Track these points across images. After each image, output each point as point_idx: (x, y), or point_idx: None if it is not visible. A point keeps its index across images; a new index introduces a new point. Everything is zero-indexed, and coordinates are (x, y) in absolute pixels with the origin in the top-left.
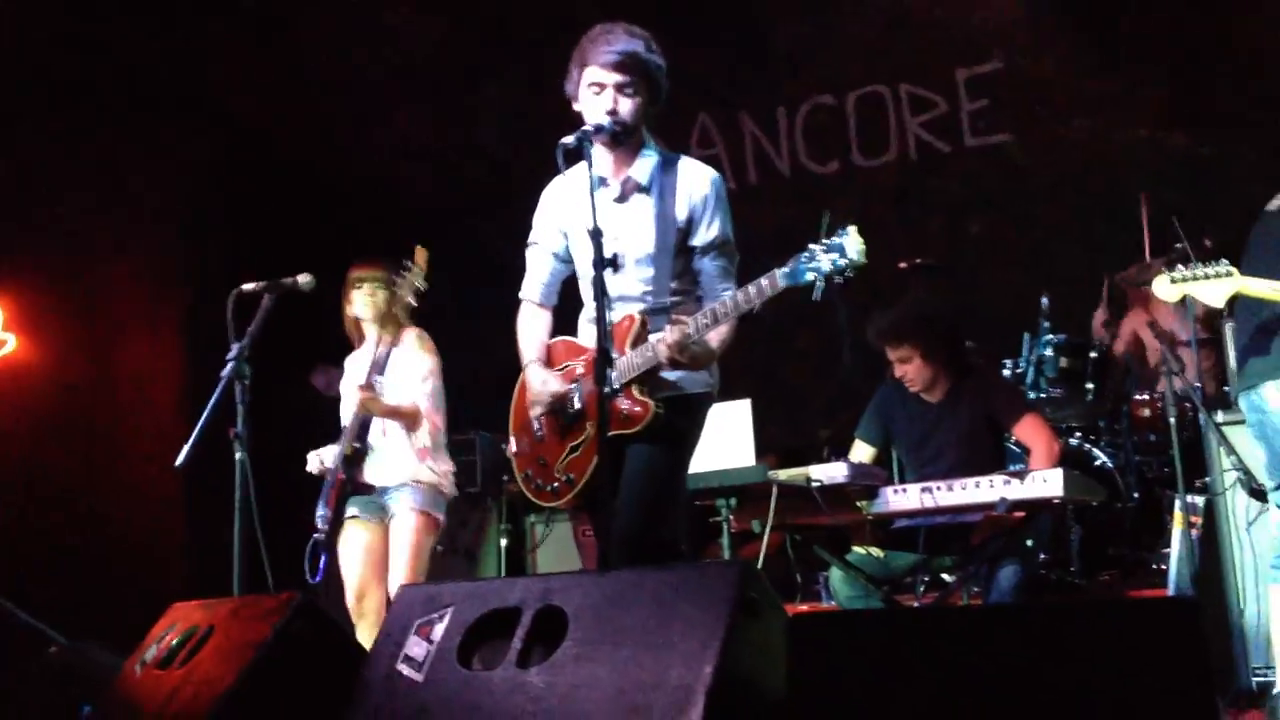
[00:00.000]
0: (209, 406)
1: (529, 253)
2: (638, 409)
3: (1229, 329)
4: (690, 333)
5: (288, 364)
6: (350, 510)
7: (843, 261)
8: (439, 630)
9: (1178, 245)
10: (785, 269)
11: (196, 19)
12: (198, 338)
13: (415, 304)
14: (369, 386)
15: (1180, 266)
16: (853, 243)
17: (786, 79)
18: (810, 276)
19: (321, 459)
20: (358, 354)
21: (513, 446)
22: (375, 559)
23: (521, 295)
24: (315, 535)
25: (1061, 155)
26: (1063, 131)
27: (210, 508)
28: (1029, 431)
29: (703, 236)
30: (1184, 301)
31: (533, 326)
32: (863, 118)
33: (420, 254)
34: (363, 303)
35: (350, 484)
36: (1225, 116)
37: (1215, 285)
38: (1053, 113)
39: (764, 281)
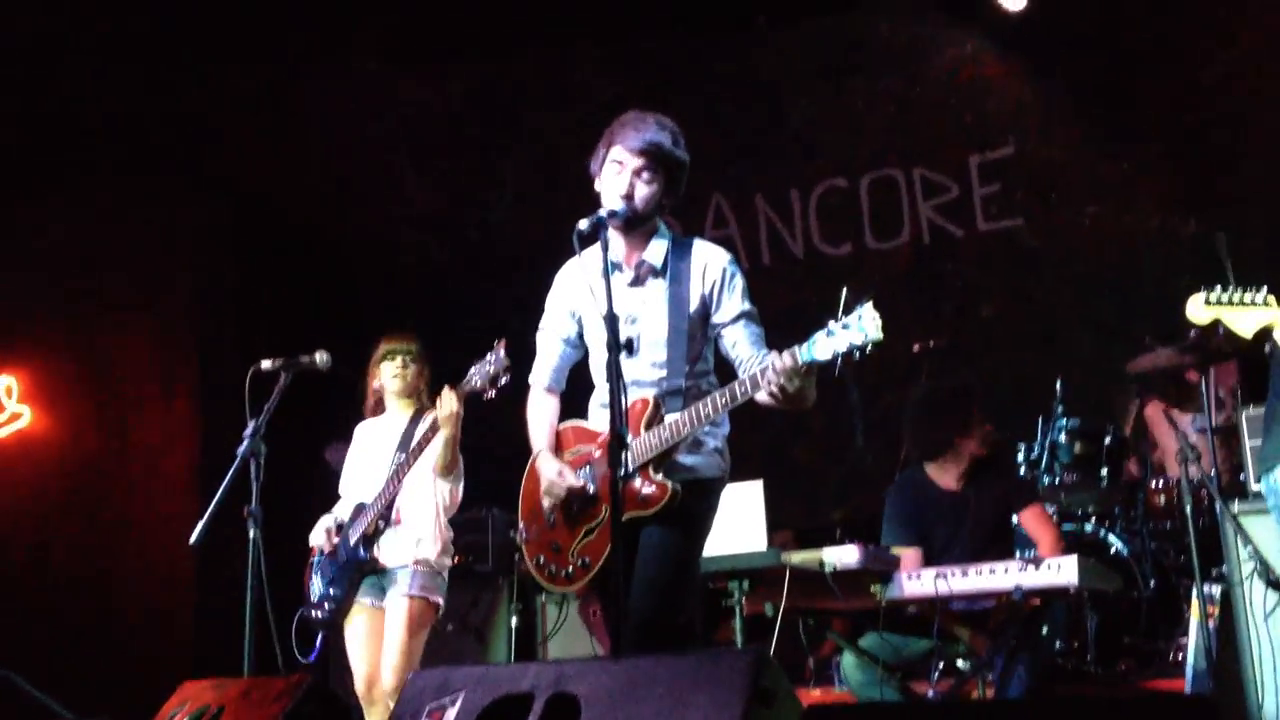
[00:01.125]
0: (224, 485)
1: (540, 337)
2: (654, 490)
3: (1244, 417)
4: (795, 363)
5: (298, 439)
6: (356, 596)
7: (861, 339)
8: (450, 715)
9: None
10: (805, 345)
11: (208, 90)
12: (211, 409)
13: (492, 394)
14: (460, 398)
15: (1219, 287)
16: (871, 320)
17: (800, 161)
18: (829, 354)
19: (329, 533)
20: (373, 424)
21: (523, 533)
22: (381, 644)
23: (531, 380)
24: (315, 614)
25: (1073, 240)
26: (1074, 216)
27: (221, 584)
28: (1036, 522)
29: (725, 313)
30: (1201, 389)
31: (542, 412)
32: (876, 201)
33: (501, 346)
34: (392, 374)
35: (370, 563)
36: (1235, 201)
37: (1249, 314)
38: (1064, 198)
39: (786, 357)
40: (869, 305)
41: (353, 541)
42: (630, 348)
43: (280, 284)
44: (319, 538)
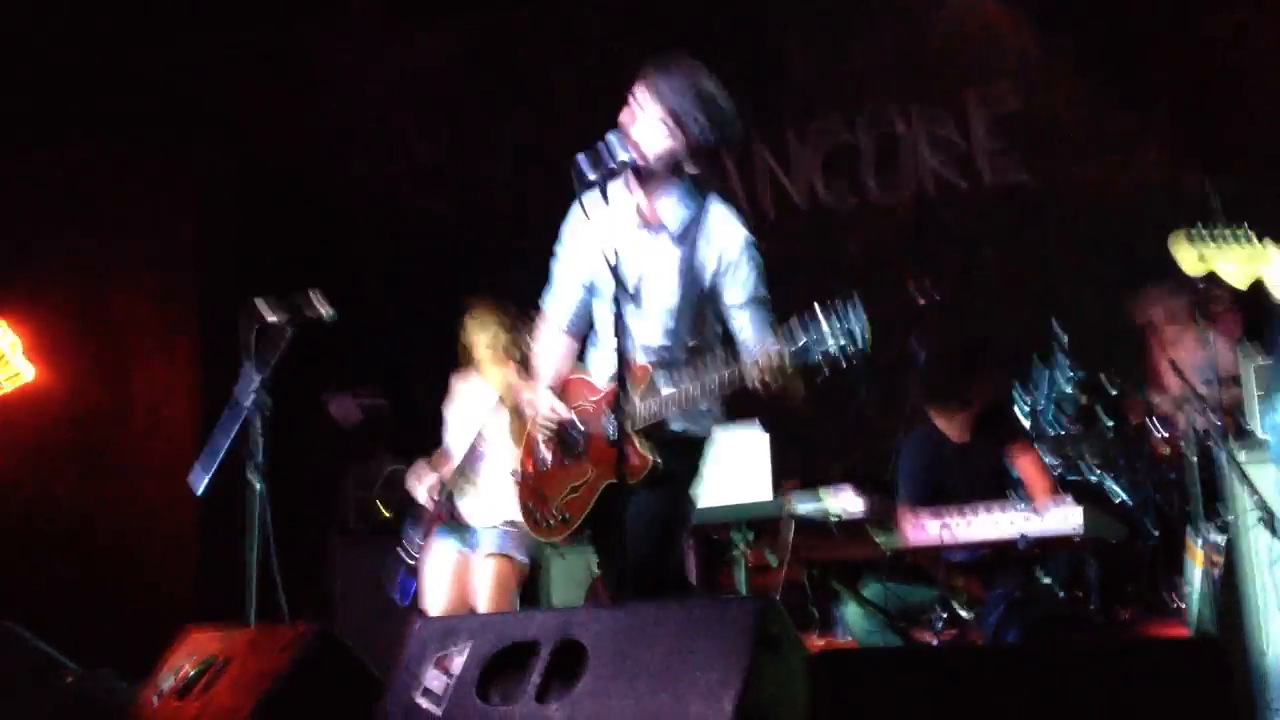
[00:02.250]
0: (223, 432)
1: (557, 270)
2: (636, 461)
3: (1245, 362)
4: (780, 361)
5: (301, 390)
6: (441, 538)
7: (849, 345)
8: (457, 663)
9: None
10: (793, 348)
11: (212, 45)
12: (212, 363)
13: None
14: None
15: (1199, 225)
16: (859, 325)
17: (803, 113)
18: (815, 356)
19: (427, 484)
20: (468, 382)
21: (517, 473)
22: (461, 585)
23: (546, 310)
24: (406, 560)
25: (1077, 193)
26: (1079, 170)
27: (225, 534)
28: (1030, 465)
29: (739, 293)
30: (1206, 338)
31: (554, 350)
32: (879, 153)
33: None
34: (484, 344)
35: (450, 519)
36: (1240, 158)
37: (1242, 262)
38: (1069, 151)
39: (774, 354)
40: (859, 310)
41: (433, 493)
42: (637, 298)
43: (282, 237)
44: (419, 491)
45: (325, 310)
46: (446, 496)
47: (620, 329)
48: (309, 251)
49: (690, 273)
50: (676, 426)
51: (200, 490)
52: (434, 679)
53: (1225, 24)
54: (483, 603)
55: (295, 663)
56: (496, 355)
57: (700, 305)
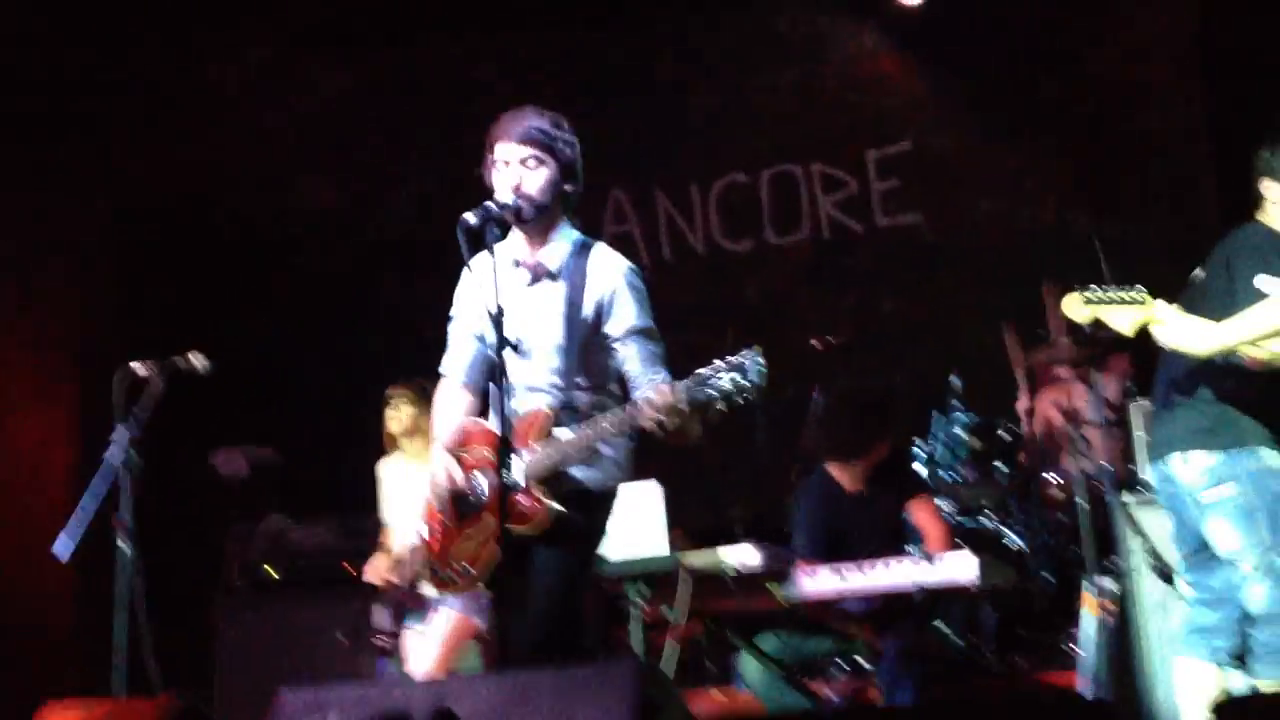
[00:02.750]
0: (92, 494)
1: (451, 328)
2: (535, 508)
3: (1134, 409)
4: (673, 399)
5: (186, 448)
6: (413, 626)
7: (744, 383)
8: None
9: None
10: (687, 384)
11: (87, 70)
12: (92, 417)
13: None
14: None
15: (1094, 286)
16: (754, 365)
17: (700, 156)
18: (710, 394)
19: (383, 571)
20: (393, 463)
21: (422, 534)
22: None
23: (442, 370)
24: (380, 642)
25: (970, 234)
26: (971, 211)
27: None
28: (926, 515)
29: (619, 325)
30: (1092, 382)
31: (450, 406)
32: (776, 196)
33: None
34: (391, 419)
35: (412, 601)
36: (1128, 199)
37: (1128, 311)
38: (961, 192)
39: (665, 391)
40: (756, 350)
41: (397, 579)
42: (517, 348)
43: (167, 284)
44: (371, 575)
45: (201, 364)
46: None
47: (500, 379)
48: (196, 302)
49: (573, 310)
50: (580, 476)
51: (66, 557)
52: None
53: (1109, 63)
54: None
55: None
56: (406, 428)
57: (587, 343)
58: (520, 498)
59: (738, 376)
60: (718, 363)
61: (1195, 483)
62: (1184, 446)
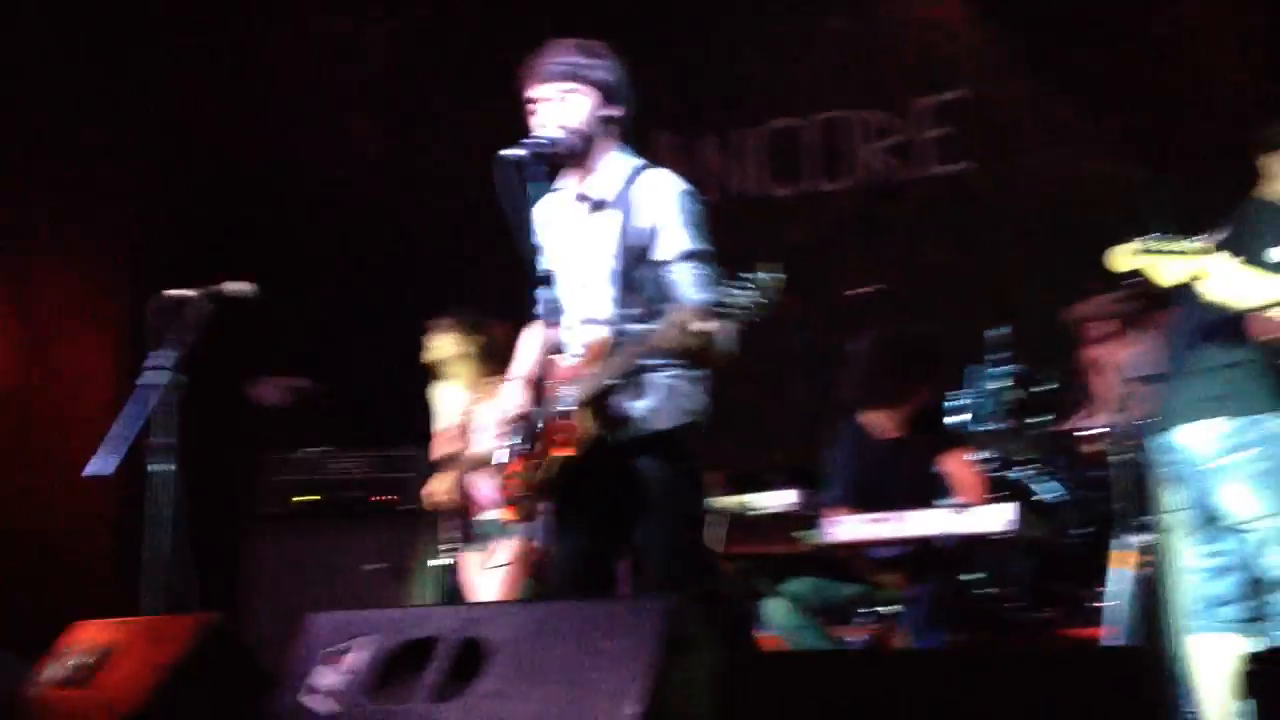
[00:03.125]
0: (138, 417)
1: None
2: (571, 430)
3: None
4: (680, 321)
5: (224, 373)
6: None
7: (760, 299)
8: (349, 661)
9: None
10: (704, 298)
11: (145, 19)
12: (137, 342)
13: None
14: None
15: (1156, 234)
16: (769, 280)
17: (748, 101)
18: (728, 308)
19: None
20: (443, 389)
21: (498, 458)
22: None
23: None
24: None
25: (1022, 187)
26: (1025, 162)
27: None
28: (960, 467)
29: (668, 249)
30: (1134, 338)
31: (529, 342)
32: (824, 141)
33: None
34: (434, 348)
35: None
36: (1187, 154)
37: (1179, 262)
38: (1015, 143)
39: (685, 312)
40: (773, 269)
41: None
42: (549, 281)
43: (218, 225)
44: (436, 494)
45: (246, 290)
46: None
47: (550, 313)
48: (246, 243)
49: (628, 236)
50: (633, 408)
51: (109, 471)
52: (324, 677)
53: (1172, 21)
54: (500, 585)
55: (189, 655)
56: (458, 359)
57: (640, 269)
58: (564, 423)
59: (753, 292)
60: (736, 280)
61: (1208, 450)
62: (1195, 416)
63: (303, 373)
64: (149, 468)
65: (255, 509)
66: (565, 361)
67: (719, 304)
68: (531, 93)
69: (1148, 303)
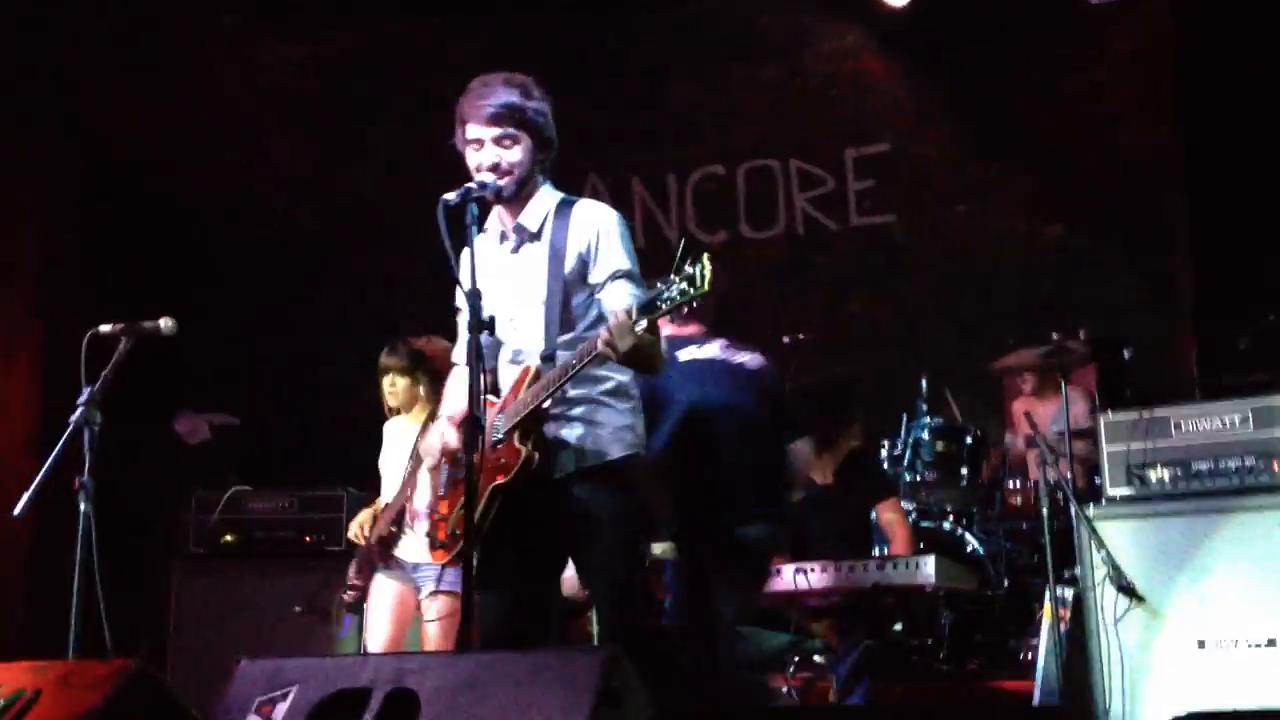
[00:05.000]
0: (54, 453)
1: (457, 319)
2: (506, 459)
3: (1103, 421)
4: (626, 319)
5: (144, 409)
6: (383, 573)
7: (692, 290)
8: (281, 710)
9: (1054, 334)
10: (639, 298)
11: (63, 27)
12: (51, 377)
13: None
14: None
15: None
16: (701, 271)
17: (679, 145)
18: (662, 304)
19: (361, 527)
20: (395, 424)
21: (417, 504)
22: (401, 621)
23: (453, 359)
24: (346, 596)
25: (942, 238)
26: (944, 215)
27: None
28: (893, 517)
29: (602, 270)
30: (1057, 390)
31: (456, 385)
32: (752, 189)
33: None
34: (387, 393)
35: (381, 558)
36: (1097, 211)
37: None
38: (935, 196)
39: (619, 315)
40: (706, 257)
41: (374, 540)
42: (491, 327)
43: (133, 244)
44: (353, 530)
45: (167, 327)
46: (381, 539)
47: (474, 354)
48: (162, 262)
49: (556, 265)
50: (573, 438)
51: (17, 511)
52: None
53: (1083, 83)
54: (433, 640)
55: (108, 701)
56: (403, 401)
57: (571, 296)
58: (493, 454)
59: (686, 286)
60: (671, 278)
61: None
62: None
63: (229, 409)
64: (81, 507)
65: (181, 548)
66: (497, 398)
67: (654, 301)
68: (473, 132)
69: (1072, 358)
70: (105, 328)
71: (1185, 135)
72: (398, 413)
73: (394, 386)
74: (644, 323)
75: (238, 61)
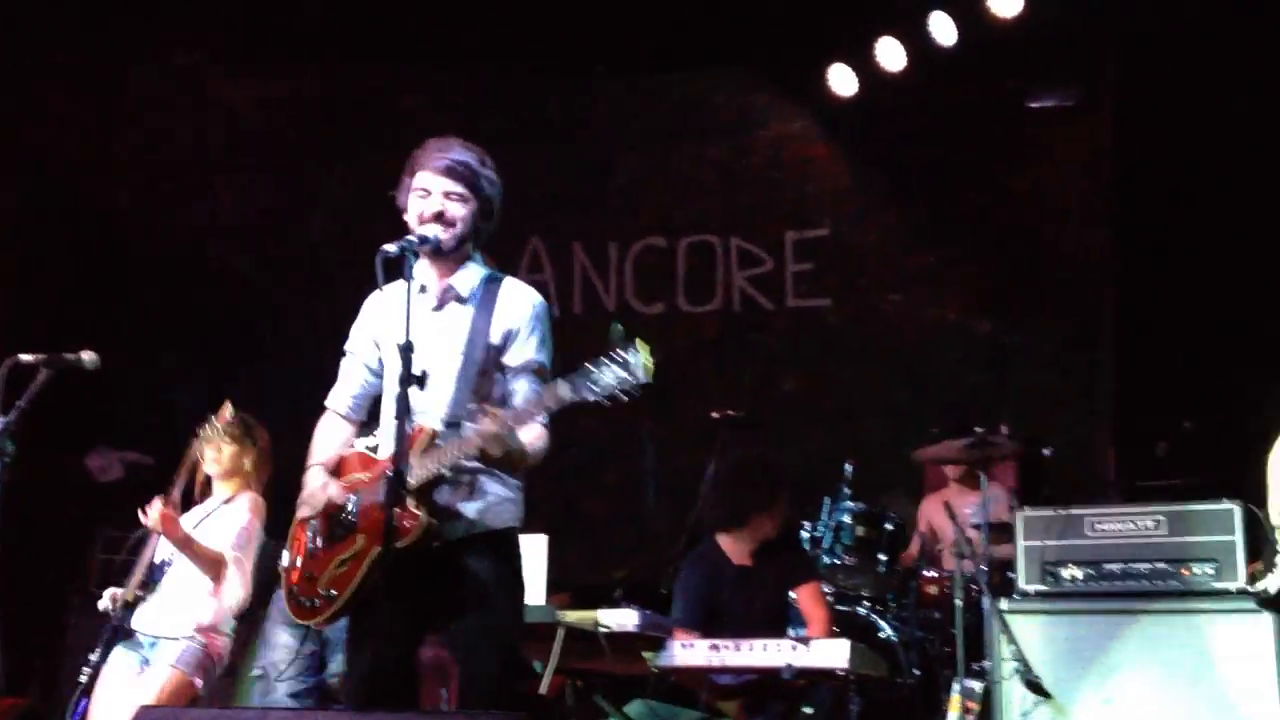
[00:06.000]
0: None
1: (343, 363)
2: (408, 522)
3: (1020, 519)
4: (506, 422)
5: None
6: (116, 652)
7: (629, 378)
8: None
9: (977, 429)
10: (569, 381)
11: (14, 65)
12: None
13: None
14: (173, 506)
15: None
16: (640, 360)
17: (622, 216)
18: (593, 392)
19: (107, 594)
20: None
21: (284, 561)
22: (135, 695)
23: (327, 403)
24: (81, 676)
25: (875, 325)
26: (878, 303)
27: None
28: (811, 600)
29: (517, 356)
30: (978, 483)
31: (330, 434)
32: (692, 264)
33: (225, 409)
34: (211, 460)
35: (120, 630)
36: (1030, 310)
37: None
38: (871, 283)
39: (545, 392)
40: (642, 345)
41: (117, 609)
42: (423, 381)
43: (66, 277)
44: (104, 602)
45: (89, 360)
46: (123, 606)
47: (403, 409)
48: (94, 297)
49: (477, 335)
50: (468, 510)
51: None
52: None
53: (1024, 183)
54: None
55: None
56: (230, 470)
57: (485, 366)
58: (406, 510)
59: (621, 372)
60: (602, 359)
61: None
62: None
63: (144, 449)
64: None
65: (82, 586)
66: (381, 454)
67: (591, 384)
68: (423, 180)
69: (993, 451)
70: (26, 357)
71: (1119, 239)
72: (203, 494)
73: (220, 454)
74: (506, 433)
75: (188, 104)
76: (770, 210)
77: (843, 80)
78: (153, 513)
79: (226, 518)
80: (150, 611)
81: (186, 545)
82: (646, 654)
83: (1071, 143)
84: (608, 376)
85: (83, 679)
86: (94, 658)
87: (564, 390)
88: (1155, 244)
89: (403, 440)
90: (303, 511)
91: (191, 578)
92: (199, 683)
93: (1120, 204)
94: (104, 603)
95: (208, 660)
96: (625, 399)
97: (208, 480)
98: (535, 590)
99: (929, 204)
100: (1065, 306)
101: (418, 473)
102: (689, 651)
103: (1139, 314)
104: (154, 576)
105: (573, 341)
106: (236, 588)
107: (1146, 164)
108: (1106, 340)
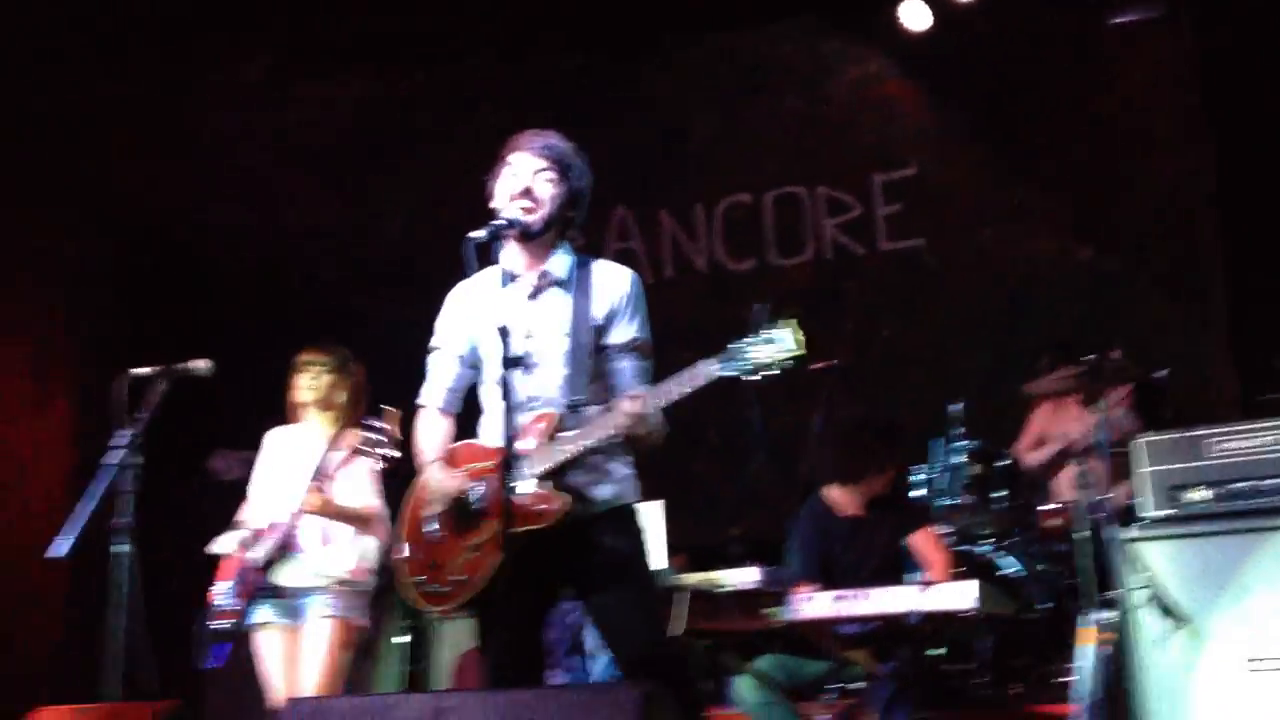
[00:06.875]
0: (95, 496)
1: (430, 359)
2: (548, 505)
3: (1141, 444)
4: (652, 402)
5: (180, 452)
6: (264, 614)
7: (779, 354)
8: None
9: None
10: (720, 359)
11: (89, 95)
12: (87, 423)
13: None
14: (319, 489)
15: None
16: (790, 336)
17: (704, 177)
18: (743, 370)
19: (242, 544)
20: (284, 433)
21: (404, 552)
22: (293, 651)
23: (421, 401)
24: (217, 624)
25: (970, 262)
26: (971, 239)
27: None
28: (929, 545)
29: (620, 335)
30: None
31: (433, 430)
32: (779, 217)
33: (390, 416)
34: (306, 387)
35: (269, 589)
36: (1128, 233)
37: None
38: (963, 220)
39: (699, 370)
40: (791, 324)
41: (260, 562)
42: (524, 363)
43: (164, 293)
44: (228, 546)
45: (203, 368)
46: (266, 566)
47: (508, 394)
48: (191, 310)
49: (581, 316)
50: (590, 489)
51: (64, 553)
52: None
53: (1110, 102)
54: (312, 670)
55: None
56: (321, 399)
57: (592, 351)
58: (530, 498)
59: (771, 348)
60: (749, 337)
61: None
62: None
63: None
64: (113, 549)
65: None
66: (492, 442)
67: (739, 361)
68: (517, 161)
69: (1110, 376)
70: (142, 370)
71: (1217, 152)
72: (293, 418)
73: (317, 380)
74: (646, 411)
75: (260, 117)
76: (854, 155)
77: (914, 15)
78: (309, 499)
79: (354, 470)
80: (291, 566)
81: (341, 516)
82: (769, 610)
83: (1158, 58)
84: (758, 354)
85: (215, 625)
86: (236, 604)
87: (713, 368)
88: (1254, 157)
89: (510, 420)
90: (432, 508)
91: (330, 526)
92: (361, 621)
93: (1213, 117)
94: (228, 545)
95: (358, 598)
96: (778, 374)
97: (296, 408)
98: (655, 555)
99: (1015, 133)
100: (1165, 227)
101: (550, 456)
102: (813, 604)
103: (1243, 228)
104: (288, 538)
105: (668, 306)
106: (382, 533)
107: (1235, 68)
108: (1212, 258)
